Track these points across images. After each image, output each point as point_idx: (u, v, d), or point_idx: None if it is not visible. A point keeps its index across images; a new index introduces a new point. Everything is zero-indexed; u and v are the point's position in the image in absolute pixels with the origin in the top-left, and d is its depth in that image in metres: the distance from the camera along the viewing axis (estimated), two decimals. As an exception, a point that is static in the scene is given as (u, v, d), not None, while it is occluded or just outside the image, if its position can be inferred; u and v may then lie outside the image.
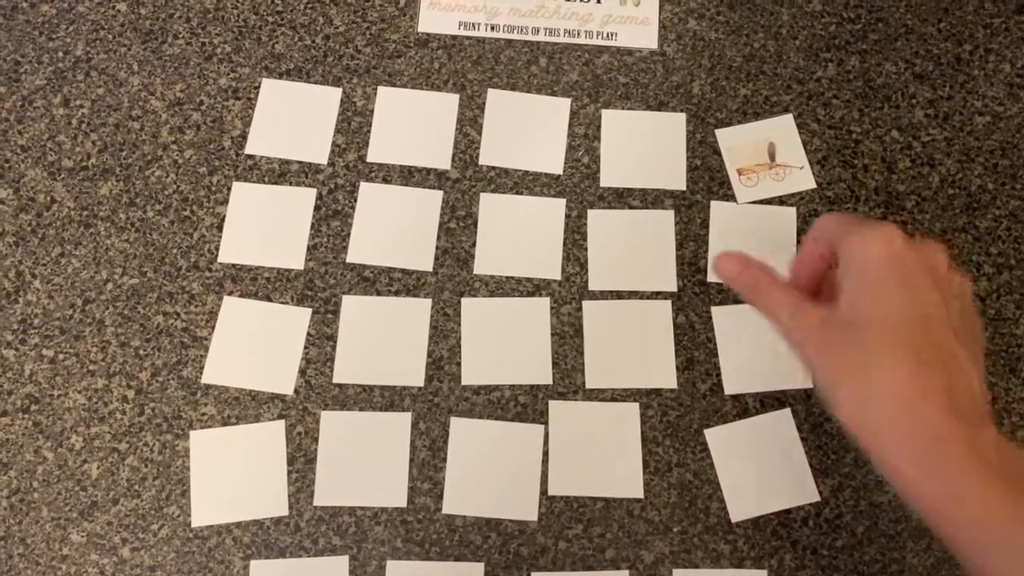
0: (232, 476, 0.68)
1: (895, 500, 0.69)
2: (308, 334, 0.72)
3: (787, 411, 0.71)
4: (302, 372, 0.71)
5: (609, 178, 0.77)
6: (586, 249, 0.75)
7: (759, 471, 0.69)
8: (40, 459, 0.69)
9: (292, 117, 0.78)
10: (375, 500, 0.68)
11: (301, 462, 0.69)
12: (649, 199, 0.76)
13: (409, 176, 0.77)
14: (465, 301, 0.73)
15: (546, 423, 0.70)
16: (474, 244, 0.75)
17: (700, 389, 0.71)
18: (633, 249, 0.75)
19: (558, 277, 0.74)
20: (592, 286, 0.74)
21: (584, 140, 0.78)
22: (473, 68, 0.80)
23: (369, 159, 0.77)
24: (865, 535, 0.68)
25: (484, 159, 0.77)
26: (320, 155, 0.77)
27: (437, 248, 0.74)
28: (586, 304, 0.73)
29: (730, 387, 0.71)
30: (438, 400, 0.71)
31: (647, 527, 0.68)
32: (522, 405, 0.71)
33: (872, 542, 0.68)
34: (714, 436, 0.70)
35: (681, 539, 0.68)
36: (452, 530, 0.68)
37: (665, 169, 0.77)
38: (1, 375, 0.71)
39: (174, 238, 0.74)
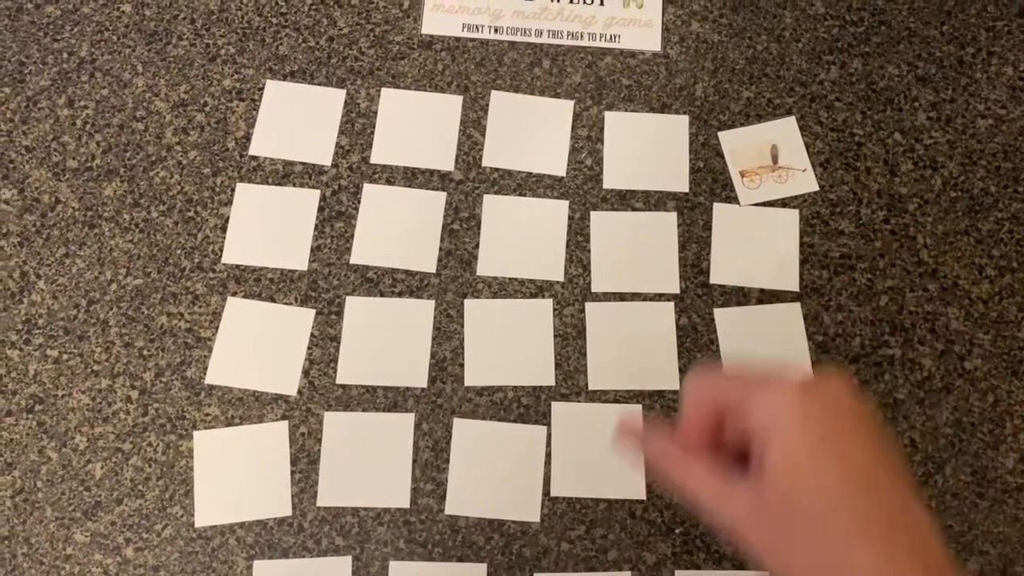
0: (236, 476, 0.69)
1: (897, 502, 0.69)
2: (311, 335, 0.72)
3: (789, 413, 0.71)
4: (305, 373, 0.71)
5: (612, 180, 0.77)
6: (589, 251, 0.75)
7: (761, 473, 0.69)
8: (44, 459, 0.69)
9: (296, 118, 0.78)
10: (378, 501, 0.68)
11: (304, 463, 0.69)
12: (652, 201, 0.77)
13: (412, 177, 0.77)
14: (468, 302, 0.73)
15: (549, 424, 0.70)
16: (477, 245, 0.75)
17: (702, 391, 0.71)
18: (636, 251, 0.75)
19: (561, 279, 0.74)
20: (595, 288, 0.74)
21: (587, 142, 0.78)
22: (476, 70, 0.80)
23: (373, 160, 0.77)
24: (867, 537, 0.68)
25: (487, 161, 0.77)
26: (324, 156, 0.77)
27: (440, 249, 0.75)
28: (589, 306, 0.73)
29: (732, 389, 0.71)
30: (441, 401, 0.71)
31: (649, 528, 0.68)
32: (525, 406, 0.71)
33: (874, 544, 0.68)
34: (716, 438, 0.70)
35: (683, 540, 0.68)
36: (455, 531, 0.68)
37: (668, 171, 0.77)
38: (5, 375, 0.71)
39: (178, 239, 0.75)
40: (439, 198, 0.76)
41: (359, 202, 0.76)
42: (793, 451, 0.36)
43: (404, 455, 0.69)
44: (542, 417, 0.70)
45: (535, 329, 0.73)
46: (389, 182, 0.77)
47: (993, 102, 0.80)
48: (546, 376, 0.71)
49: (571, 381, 0.71)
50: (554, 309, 0.73)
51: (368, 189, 0.76)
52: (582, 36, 0.82)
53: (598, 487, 0.69)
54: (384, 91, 0.79)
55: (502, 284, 0.74)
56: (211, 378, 0.71)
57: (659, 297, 0.74)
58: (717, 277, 0.74)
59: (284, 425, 0.70)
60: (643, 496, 0.69)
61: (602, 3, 0.83)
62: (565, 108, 0.79)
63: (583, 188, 0.77)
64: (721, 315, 0.73)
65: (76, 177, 0.76)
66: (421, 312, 0.73)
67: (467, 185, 0.77)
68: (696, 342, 0.73)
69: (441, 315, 0.73)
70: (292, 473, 0.69)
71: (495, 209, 0.76)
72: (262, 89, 0.79)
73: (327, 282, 0.74)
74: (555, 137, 0.78)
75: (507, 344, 0.72)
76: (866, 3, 0.83)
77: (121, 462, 0.69)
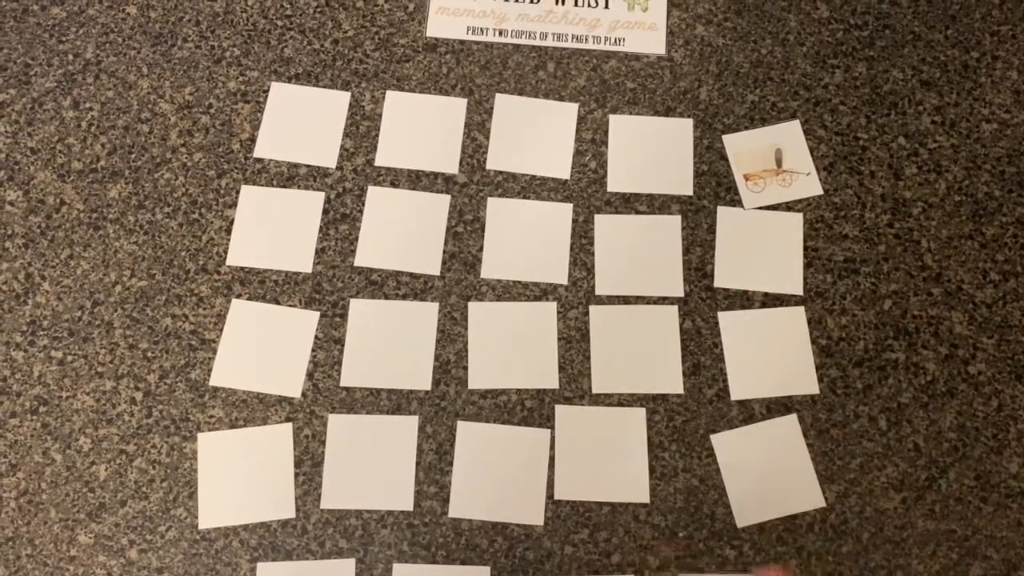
0: (239, 479, 0.69)
1: (901, 506, 0.69)
2: (316, 337, 0.72)
3: (793, 417, 0.71)
4: (309, 375, 0.71)
5: (616, 183, 0.77)
6: (593, 254, 0.75)
7: (765, 477, 0.69)
8: (48, 460, 0.69)
9: (301, 121, 0.78)
10: (382, 503, 0.68)
11: (308, 465, 0.69)
12: (656, 204, 0.77)
13: (417, 180, 0.77)
14: (472, 305, 0.73)
15: (552, 427, 0.70)
16: (481, 248, 0.75)
17: (706, 394, 0.71)
18: (640, 254, 0.75)
19: (565, 282, 0.74)
20: (599, 291, 0.74)
21: (591, 145, 0.78)
22: (481, 73, 0.80)
23: (377, 163, 0.77)
24: (870, 541, 0.68)
25: (492, 163, 0.78)
26: (328, 159, 0.77)
27: (444, 252, 0.75)
28: (593, 309, 0.73)
29: (736, 392, 0.71)
30: (445, 404, 0.71)
31: (653, 532, 0.68)
32: (528, 409, 0.71)
33: (877, 548, 0.68)
34: (720, 441, 0.70)
35: (687, 544, 0.68)
36: (458, 534, 0.68)
37: (672, 174, 0.77)
38: (10, 376, 0.71)
39: (183, 241, 0.75)
40: (443, 201, 0.76)
41: (363, 205, 0.76)
42: None
43: (408, 458, 0.69)
44: (546, 420, 0.70)
45: (539, 332, 0.73)
46: (393, 185, 0.77)
47: (998, 106, 0.80)
48: (550, 379, 0.71)
49: (575, 384, 0.71)
50: (558, 312, 0.73)
51: (372, 192, 0.76)
52: (587, 39, 0.82)
53: (602, 490, 0.69)
54: (389, 94, 0.79)
55: (506, 287, 0.74)
56: (215, 380, 0.71)
57: (663, 300, 0.74)
58: (721, 281, 0.74)
59: (288, 427, 0.70)
60: (647, 499, 0.69)
61: (607, 6, 0.83)
62: (569, 111, 0.79)
63: (587, 191, 0.77)
64: (725, 319, 0.73)
65: (81, 179, 0.76)
66: (425, 315, 0.73)
67: (471, 188, 0.77)
68: (700, 346, 0.73)
69: (445, 318, 0.73)
70: (296, 475, 0.69)
71: (499, 212, 0.76)
72: (267, 91, 0.79)
73: (331, 284, 0.74)
74: (559, 140, 0.78)
75: (511, 347, 0.72)
76: (871, 7, 0.83)
77: (125, 464, 0.69)
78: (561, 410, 0.71)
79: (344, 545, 0.67)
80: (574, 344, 0.72)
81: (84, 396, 0.70)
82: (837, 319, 0.73)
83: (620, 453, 0.70)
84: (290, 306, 0.73)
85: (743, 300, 0.74)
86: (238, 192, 0.76)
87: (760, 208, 0.77)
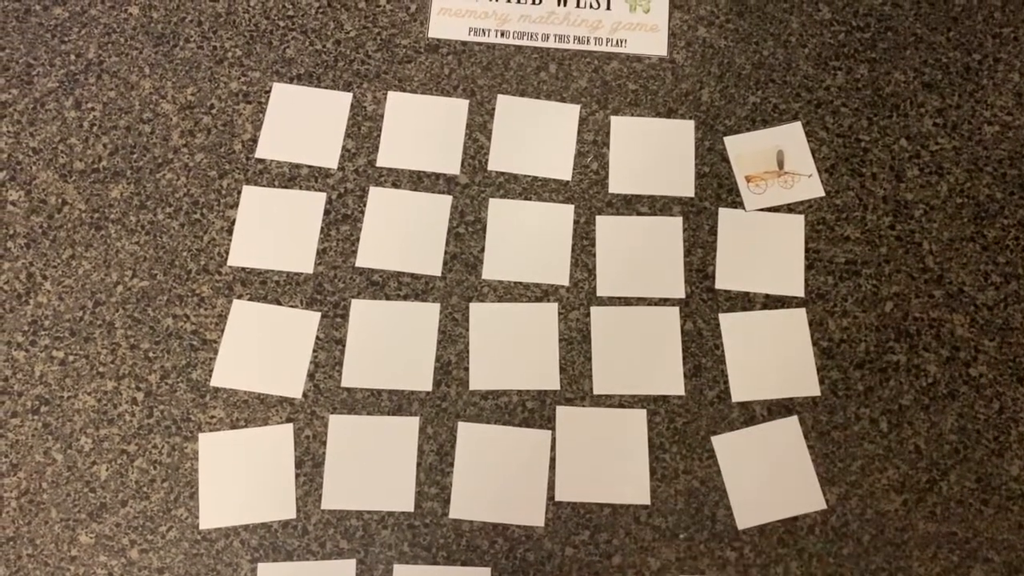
0: (240, 479, 0.69)
1: (902, 509, 0.69)
2: (317, 338, 0.72)
3: (794, 419, 0.71)
4: (311, 376, 0.71)
5: (618, 184, 0.77)
6: (594, 255, 0.75)
7: (766, 478, 0.69)
8: (49, 460, 0.69)
9: (302, 121, 0.78)
10: (382, 504, 0.68)
11: (309, 465, 0.69)
12: (657, 206, 0.77)
13: (418, 181, 0.77)
14: (473, 306, 0.73)
15: (553, 429, 0.70)
16: (483, 249, 0.75)
17: (707, 396, 0.71)
18: (641, 255, 0.75)
19: (566, 283, 0.74)
20: (600, 292, 0.74)
21: (593, 146, 0.78)
22: (483, 74, 0.80)
23: (379, 164, 0.77)
24: (871, 543, 0.68)
25: (493, 164, 0.78)
26: (330, 159, 0.77)
27: (446, 253, 0.75)
28: (594, 310, 0.73)
29: (737, 394, 0.71)
30: (446, 405, 0.71)
31: (654, 534, 0.68)
32: (529, 410, 0.71)
33: (878, 550, 0.68)
34: (721, 443, 0.70)
35: (687, 546, 0.68)
36: (459, 535, 0.68)
37: (674, 176, 0.77)
38: (11, 376, 0.71)
39: (184, 241, 0.75)
40: (445, 202, 0.76)
41: (365, 205, 0.76)
42: None
43: (408, 459, 0.69)
44: (547, 421, 0.70)
45: (540, 333, 0.73)
46: (395, 185, 0.77)
47: (1000, 108, 0.80)
48: (551, 380, 0.71)
49: (576, 385, 0.71)
50: (559, 313, 0.73)
51: (374, 192, 0.76)
52: (588, 40, 0.82)
53: (603, 492, 0.69)
54: (390, 94, 0.79)
55: (507, 288, 0.74)
56: (216, 380, 0.71)
57: (664, 302, 0.74)
58: (722, 282, 0.74)
59: (289, 428, 0.70)
60: (648, 501, 0.69)
61: (608, 7, 0.83)
62: (571, 112, 0.79)
63: (589, 192, 0.77)
64: (726, 320, 0.73)
65: (83, 179, 0.76)
66: (426, 316, 0.73)
67: (473, 189, 0.77)
68: (701, 347, 0.73)
69: (446, 319, 0.73)
70: (296, 476, 0.69)
71: (501, 213, 0.76)
72: (269, 92, 0.79)
73: (333, 285, 0.74)
74: (561, 141, 0.78)
75: (512, 348, 0.72)
76: (873, 9, 0.83)
77: (126, 464, 0.69)
78: (562, 411, 0.71)
79: (345, 546, 0.67)
80: (575, 345, 0.72)
81: (85, 396, 0.71)
82: (838, 321, 0.73)
83: (621, 454, 0.70)
84: (291, 307, 0.73)
85: (744, 302, 0.74)
86: (239, 192, 0.76)
87: (761, 210, 0.77)
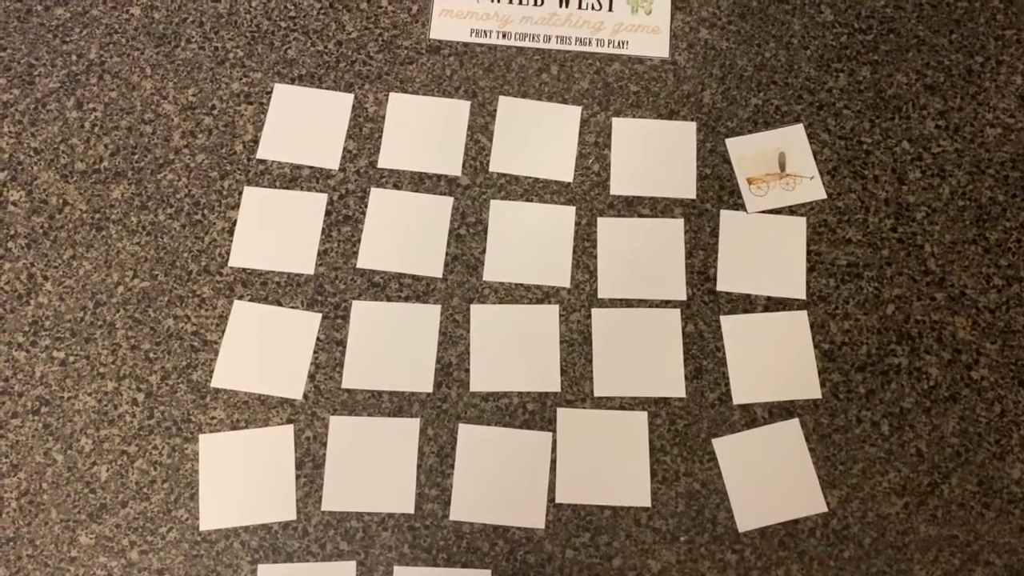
0: (241, 480, 0.69)
1: (903, 512, 0.69)
2: (318, 339, 0.72)
3: (795, 421, 0.71)
4: (311, 377, 0.71)
5: (619, 186, 0.77)
6: (595, 257, 0.75)
7: (767, 481, 0.69)
8: (50, 461, 0.69)
9: (304, 122, 0.78)
10: (383, 505, 0.68)
11: (309, 467, 0.69)
12: (659, 207, 0.77)
13: (420, 182, 0.77)
14: (474, 308, 0.73)
15: (554, 431, 0.70)
16: (484, 251, 0.75)
17: (708, 398, 0.71)
18: (642, 257, 0.75)
19: (567, 285, 0.74)
20: (601, 294, 0.74)
21: (594, 148, 0.78)
22: (484, 75, 0.80)
23: (380, 165, 0.77)
24: (872, 547, 0.68)
25: (494, 166, 0.78)
26: (331, 160, 0.77)
27: (447, 254, 0.75)
28: (595, 312, 0.73)
29: (739, 397, 0.71)
30: (446, 406, 0.71)
31: (654, 536, 0.68)
32: (530, 412, 0.71)
33: (879, 554, 0.68)
34: (722, 446, 0.70)
35: (688, 549, 0.68)
36: (459, 537, 0.68)
37: (675, 178, 0.77)
38: (12, 377, 0.71)
39: (185, 242, 0.75)
40: (446, 203, 0.76)
41: (366, 206, 0.76)
42: None
43: (409, 460, 0.69)
44: (547, 423, 0.70)
45: (541, 335, 0.72)
46: (396, 186, 0.77)
47: (1002, 111, 0.79)
48: (552, 382, 0.71)
49: (577, 387, 0.71)
50: (560, 315, 0.73)
51: (375, 193, 0.76)
52: (590, 42, 0.82)
53: (603, 494, 0.69)
54: (392, 96, 0.79)
55: (508, 289, 0.74)
56: (217, 381, 0.71)
57: (665, 304, 0.74)
58: (724, 284, 0.74)
59: (289, 429, 0.70)
60: (648, 503, 0.69)
61: (611, 9, 0.83)
62: (572, 114, 0.79)
63: (590, 194, 0.77)
64: (728, 322, 0.73)
65: (84, 179, 0.76)
66: (427, 317, 0.73)
67: (474, 190, 0.77)
68: (702, 349, 0.73)
69: (447, 320, 0.73)
70: (297, 477, 0.69)
71: (502, 214, 0.76)
72: (270, 93, 0.79)
73: (333, 286, 0.74)
74: (562, 143, 0.78)
75: (513, 350, 0.72)
76: (875, 11, 0.83)
77: (126, 465, 0.69)
78: (563, 413, 0.71)
79: (345, 547, 0.67)
80: (576, 347, 0.72)
81: (86, 397, 0.70)
82: (840, 323, 0.73)
83: (622, 456, 0.70)
84: (292, 308, 0.73)
85: (746, 304, 0.74)
86: (241, 193, 0.76)
87: (763, 212, 0.76)
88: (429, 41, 0.81)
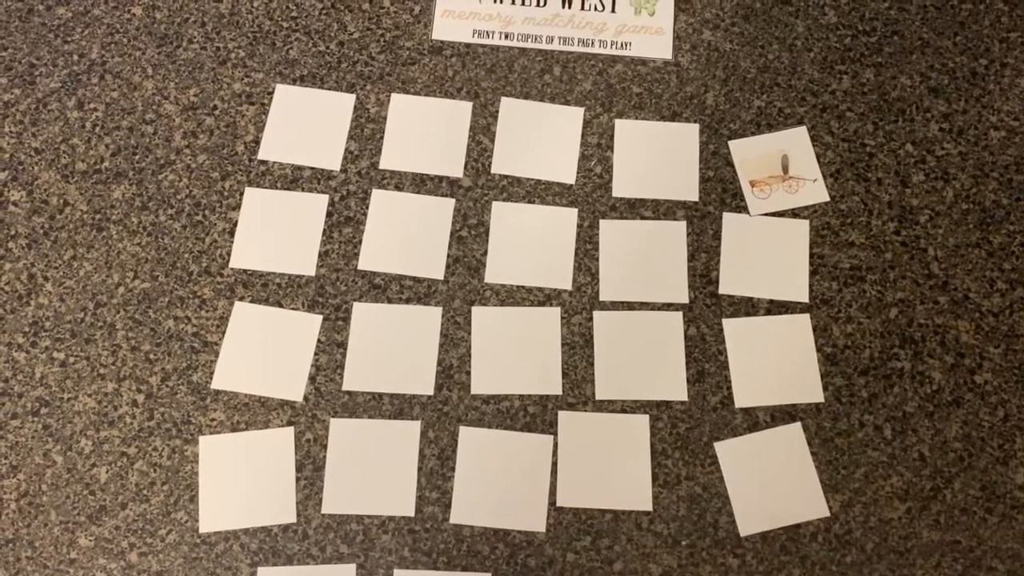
0: (240, 482, 0.68)
1: (905, 517, 0.68)
2: (318, 341, 0.72)
3: (798, 425, 0.70)
4: (312, 379, 0.71)
5: (621, 188, 0.77)
6: (597, 259, 0.75)
7: (769, 485, 0.69)
8: (49, 462, 0.69)
9: (305, 123, 0.78)
10: (383, 508, 0.68)
11: (310, 469, 0.69)
12: (661, 210, 0.76)
13: (421, 183, 0.77)
14: (476, 310, 0.73)
15: (555, 434, 0.70)
16: (485, 253, 0.75)
17: (710, 402, 0.71)
18: (645, 260, 0.75)
19: (569, 287, 0.74)
20: (603, 296, 0.74)
21: (597, 150, 0.78)
22: (487, 76, 0.80)
23: (382, 166, 0.77)
24: (875, 551, 0.68)
25: (496, 167, 0.77)
26: (333, 161, 0.77)
27: (448, 256, 0.74)
28: (597, 315, 0.73)
29: (741, 400, 0.71)
30: (447, 409, 0.70)
31: (655, 540, 0.68)
32: (531, 415, 0.70)
33: (881, 558, 0.68)
34: (724, 449, 0.70)
35: (689, 552, 0.68)
36: (460, 540, 0.68)
37: (678, 180, 0.77)
38: (12, 377, 0.71)
39: (186, 243, 0.74)
40: (448, 204, 0.76)
41: (367, 208, 0.76)
42: None
43: (409, 463, 0.69)
44: (548, 426, 0.70)
45: (542, 337, 0.72)
46: (398, 188, 0.76)
47: (1006, 114, 0.79)
48: (553, 385, 0.71)
49: (578, 390, 0.71)
50: (562, 317, 0.73)
51: (377, 195, 0.76)
52: (593, 43, 0.81)
53: (604, 497, 0.68)
54: (394, 96, 0.79)
55: (510, 292, 0.74)
56: (217, 383, 0.71)
57: (667, 307, 0.73)
58: (726, 287, 0.74)
59: (290, 431, 0.70)
60: (650, 507, 0.68)
61: (613, 10, 0.82)
62: (575, 115, 0.79)
63: (592, 196, 0.77)
64: (730, 326, 0.73)
65: (85, 179, 0.76)
66: (428, 319, 0.72)
67: (476, 192, 0.76)
68: (704, 352, 0.72)
69: (448, 322, 0.73)
70: (297, 480, 0.69)
71: (504, 216, 0.76)
72: (272, 93, 0.79)
73: (334, 288, 0.73)
74: (565, 144, 0.78)
75: (514, 352, 0.72)
76: (879, 13, 0.82)
77: (126, 466, 0.69)
78: (564, 416, 0.70)
79: (345, 550, 0.67)
80: (578, 350, 0.72)
81: (86, 398, 0.70)
82: (843, 327, 0.73)
83: (623, 460, 0.69)
84: (293, 309, 0.73)
85: (748, 307, 0.74)
86: (242, 194, 0.76)
87: (766, 214, 0.76)
88: (431, 42, 0.81)
